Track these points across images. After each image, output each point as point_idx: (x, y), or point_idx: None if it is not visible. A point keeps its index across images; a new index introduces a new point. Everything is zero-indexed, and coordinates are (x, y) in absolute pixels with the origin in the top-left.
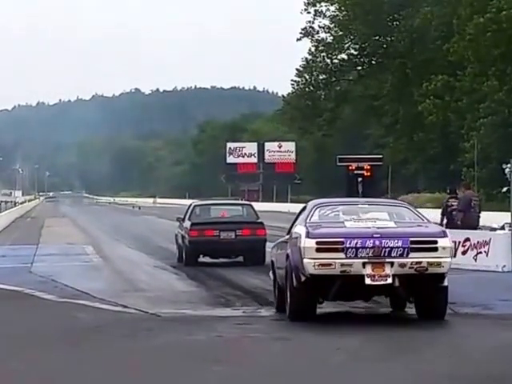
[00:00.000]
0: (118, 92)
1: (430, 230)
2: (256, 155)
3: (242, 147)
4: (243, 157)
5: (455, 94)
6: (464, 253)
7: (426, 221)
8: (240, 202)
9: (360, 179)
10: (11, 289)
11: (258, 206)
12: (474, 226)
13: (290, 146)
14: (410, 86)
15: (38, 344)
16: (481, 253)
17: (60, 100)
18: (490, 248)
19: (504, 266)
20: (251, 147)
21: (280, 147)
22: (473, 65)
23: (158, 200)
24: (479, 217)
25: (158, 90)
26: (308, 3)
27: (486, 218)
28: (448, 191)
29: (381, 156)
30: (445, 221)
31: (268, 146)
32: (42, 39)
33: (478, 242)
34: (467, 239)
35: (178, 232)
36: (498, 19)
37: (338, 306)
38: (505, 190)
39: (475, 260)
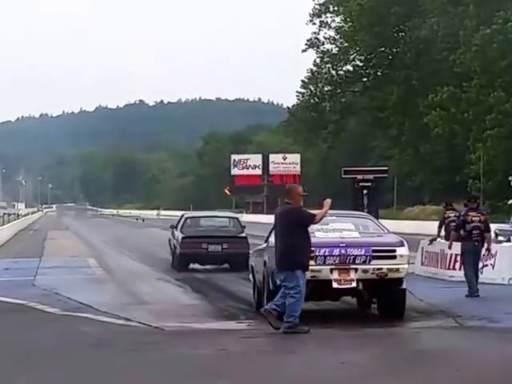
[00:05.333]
0: (122, 103)
1: (389, 240)
2: (261, 167)
3: (247, 159)
4: (248, 169)
5: (461, 105)
6: None
7: (386, 231)
8: (228, 214)
9: (365, 191)
10: (14, 302)
11: (263, 218)
12: None
13: (295, 157)
14: (416, 97)
15: (41, 358)
16: (487, 265)
17: (63, 112)
18: (496, 261)
19: (510, 278)
20: (256, 159)
21: (285, 159)
22: (479, 76)
23: (162, 212)
24: None
25: (162, 101)
26: (313, 14)
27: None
28: (444, 205)
29: (386, 168)
30: (443, 233)
31: (273, 157)
32: (45, 50)
33: (483, 255)
34: None
35: (171, 239)
36: (504, 30)
37: (344, 321)
38: (510, 202)
39: (481, 273)
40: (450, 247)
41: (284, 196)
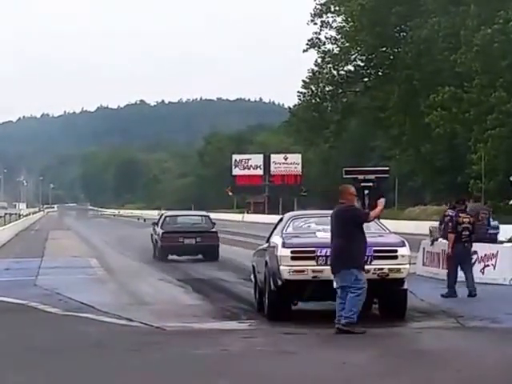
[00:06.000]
0: (123, 103)
1: (391, 240)
2: (262, 167)
3: (248, 159)
4: (249, 169)
5: (462, 105)
6: None
7: (388, 231)
8: (200, 213)
9: (366, 191)
10: (16, 302)
11: (264, 218)
12: (483, 239)
13: (296, 158)
14: (417, 97)
15: (42, 358)
16: (488, 266)
17: (65, 112)
18: (498, 261)
19: (511, 279)
20: (257, 159)
21: (286, 159)
22: (480, 76)
23: (163, 212)
24: (488, 230)
25: (163, 101)
26: (315, 14)
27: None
28: (449, 204)
29: (387, 168)
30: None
31: (274, 157)
32: (46, 50)
33: (485, 255)
34: (474, 252)
35: (153, 234)
36: (505, 30)
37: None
38: None
39: (482, 273)
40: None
41: (338, 196)
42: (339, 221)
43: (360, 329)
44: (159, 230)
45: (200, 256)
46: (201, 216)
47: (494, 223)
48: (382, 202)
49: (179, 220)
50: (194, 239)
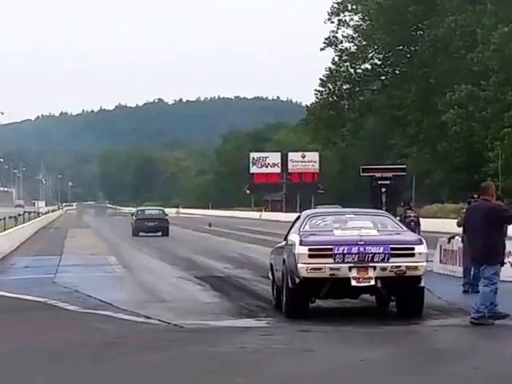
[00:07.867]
0: (141, 102)
1: (408, 238)
2: (279, 165)
3: (266, 157)
4: (267, 167)
5: (479, 103)
6: None
7: (404, 229)
8: (158, 207)
9: (384, 189)
10: (35, 300)
11: (281, 216)
12: None
13: (314, 156)
14: (434, 95)
15: (61, 356)
16: (505, 263)
17: (83, 110)
18: None
19: None
20: (275, 157)
21: (303, 157)
22: (497, 74)
23: (182, 210)
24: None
25: (181, 100)
26: (332, 13)
27: (509, 228)
28: (402, 204)
29: (404, 166)
30: None
31: (291, 156)
32: (65, 49)
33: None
34: None
35: (131, 221)
36: None
37: (363, 319)
38: None
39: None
40: None
41: (480, 193)
42: (491, 217)
43: (489, 321)
44: (134, 218)
45: (159, 233)
46: (158, 209)
47: None
48: None
49: (146, 212)
50: (154, 222)
